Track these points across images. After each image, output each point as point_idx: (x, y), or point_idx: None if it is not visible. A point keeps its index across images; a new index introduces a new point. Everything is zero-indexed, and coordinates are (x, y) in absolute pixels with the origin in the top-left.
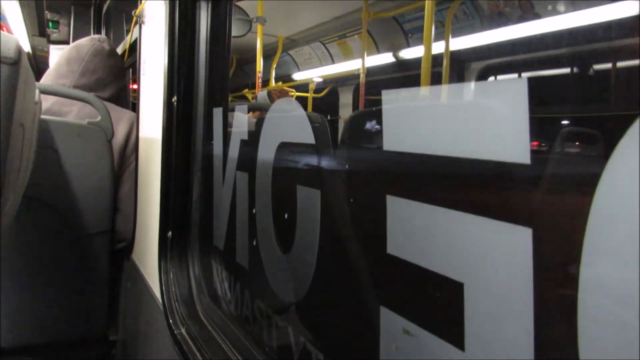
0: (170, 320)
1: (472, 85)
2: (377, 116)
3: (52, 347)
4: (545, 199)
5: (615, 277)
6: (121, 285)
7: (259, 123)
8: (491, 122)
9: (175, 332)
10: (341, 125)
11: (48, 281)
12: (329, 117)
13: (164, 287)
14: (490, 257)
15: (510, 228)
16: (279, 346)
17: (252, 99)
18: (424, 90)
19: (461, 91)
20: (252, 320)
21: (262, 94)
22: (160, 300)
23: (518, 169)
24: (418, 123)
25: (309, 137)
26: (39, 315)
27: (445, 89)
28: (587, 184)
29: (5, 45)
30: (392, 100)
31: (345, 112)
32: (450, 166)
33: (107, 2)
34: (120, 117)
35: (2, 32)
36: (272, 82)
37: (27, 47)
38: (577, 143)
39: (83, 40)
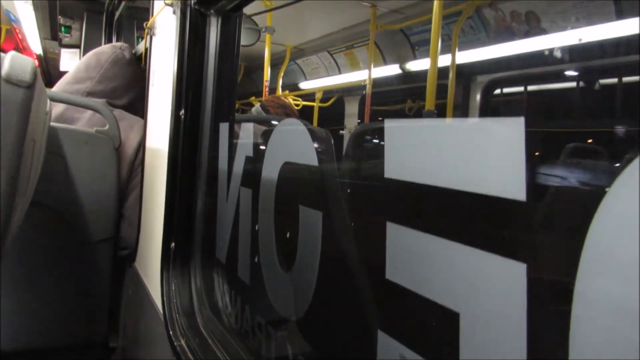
0: (171, 332)
1: (472, 120)
2: (378, 135)
3: (52, 351)
4: (540, 235)
5: (607, 315)
6: (123, 292)
7: (265, 135)
8: (489, 158)
9: (175, 343)
10: (346, 136)
11: (50, 285)
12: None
13: (165, 298)
14: (485, 289)
15: (506, 263)
16: None
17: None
18: (426, 122)
19: (461, 126)
20: (251, 335)
21: (255, 109)
22: (161, 310)
23: (514, 205)
24: (418, 154)
25: (312, 159)
26: (40, 319)
27: (446, 122)
28: (581, 223)
29: (21, 68)
30: (394, 130)
31: (351, 121)
32: (451, 198)
33: (119, 9)
34: (132, 126)
35: (17, 54)
36: (279, 90)
37: (38, 50)
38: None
39: (104, 48)
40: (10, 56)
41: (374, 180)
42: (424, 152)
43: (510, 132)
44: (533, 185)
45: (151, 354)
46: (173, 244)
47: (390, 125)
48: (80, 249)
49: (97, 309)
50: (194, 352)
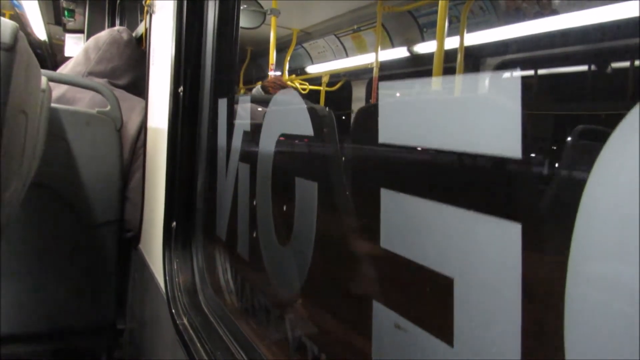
0: (173, 310)
1: (465, 78)
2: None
3: (61, 334)
4: (536, 194)
5: (604, 274)
6: (129, 274)
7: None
8: (484, 116)
9: (178, 322)
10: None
11: (57, 269)
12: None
13: (167, 277)
14: (480, 252)
15: (500, 223)
16: (276, 338)
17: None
18: (420, 83)
19: (455, 84)
20: (251, 311)
21: (256, 90)
22: (164, 289)
23: (509, 163)
24: (412, 116)
25: (307, 130)
26: (48, 303)
27: (439, 81)
28: (577, 179)
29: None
30: (388, 92)
31: (358, 105)
32: (444, 160)
33: None
34: (134, 107)
35: None
36: (286, 75)
37: (43, 35)
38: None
39: (102, 32)
40: None
41: (370, 149)
42: (418, 112)
43: (506, 87)
44: (529, 141)
45: (156, 334)
46: (174, 223)
47: (384, 87)
48: (85, 231)
49: (104, 292)
50: (196, 330)
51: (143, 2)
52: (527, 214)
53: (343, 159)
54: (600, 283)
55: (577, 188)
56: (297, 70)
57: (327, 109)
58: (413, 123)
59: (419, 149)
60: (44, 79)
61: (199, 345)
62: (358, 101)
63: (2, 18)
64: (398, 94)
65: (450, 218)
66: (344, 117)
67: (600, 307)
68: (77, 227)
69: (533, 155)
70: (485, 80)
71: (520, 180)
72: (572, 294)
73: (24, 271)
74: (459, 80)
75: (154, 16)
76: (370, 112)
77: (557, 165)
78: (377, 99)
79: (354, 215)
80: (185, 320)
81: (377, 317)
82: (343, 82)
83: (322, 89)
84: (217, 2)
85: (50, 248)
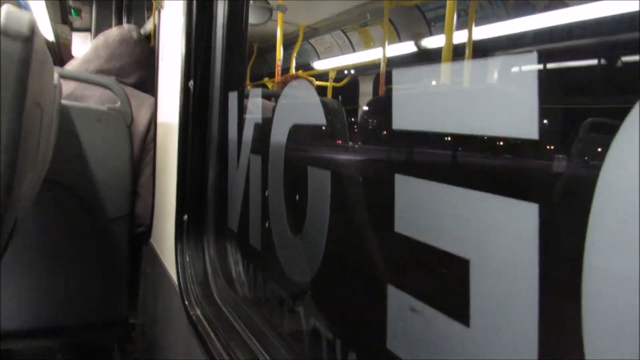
0: (186, 302)
1: (480, 60)
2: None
3: (73, 329)
4: (553, 175)
5: (620, 256)
6: (141, 269)
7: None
8: (500, 98)
9: (191, 313)
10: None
11: (69, 264)
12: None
13: (180, 270)
14: (496, 233)
15: (517, 204)
16: (289, 326)
17: (272, 87)
18: (433, 68)
19: (470, 67)
20: (264, 301)
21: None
22: (176, 282)
23: (526, 144)
24: (426, 101)
25: (319, 119)
26: (60, 298)
27: (454, 65)
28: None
29: (16, 21)
30: (401, 78)
31: (365, 101)
32: (461, 143)
33: None
34: (142, 103)
35: (13, 8)
36: (292, 71)
37: (50, 36)
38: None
39: (112, 29)
40: (5, 9)
41: (383, 136)
42: (433, 97)
43: (522, 68)
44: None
45: (169, 326)
46: (186, 216)
47: (398, 73)
48: (97, 227)
49: (116, 287)
50: (209, 321)
51: None
52: (545, 194)
53: (355, 147)
54: (617, 265)
55: (588, 184)
56: (304, 66)
57: (336, 100)
58: (426, 108)
59: (431, 133)
60: (55, 75)
61: (212, 335)
62: (365, 96)
63: (19, 10)
64: (410, 81)
65: (465, 200)
66: (351, 113)
67: (617, 300)
68: (88, 223)
69: (549, 137)
70: (502, 62)
71: (538, 160)
72: (588, 288)
73: (36, 266)
74: (474, 62)
75: (162, 12)
76: (380, 103)
77: (570, 158)
78: (385, 94)
79: (366, 202)
80: (198, 312)
81: (392, 301)
82: (350, 78)
83: (329, 84)
84: None
85: (61, 243)
